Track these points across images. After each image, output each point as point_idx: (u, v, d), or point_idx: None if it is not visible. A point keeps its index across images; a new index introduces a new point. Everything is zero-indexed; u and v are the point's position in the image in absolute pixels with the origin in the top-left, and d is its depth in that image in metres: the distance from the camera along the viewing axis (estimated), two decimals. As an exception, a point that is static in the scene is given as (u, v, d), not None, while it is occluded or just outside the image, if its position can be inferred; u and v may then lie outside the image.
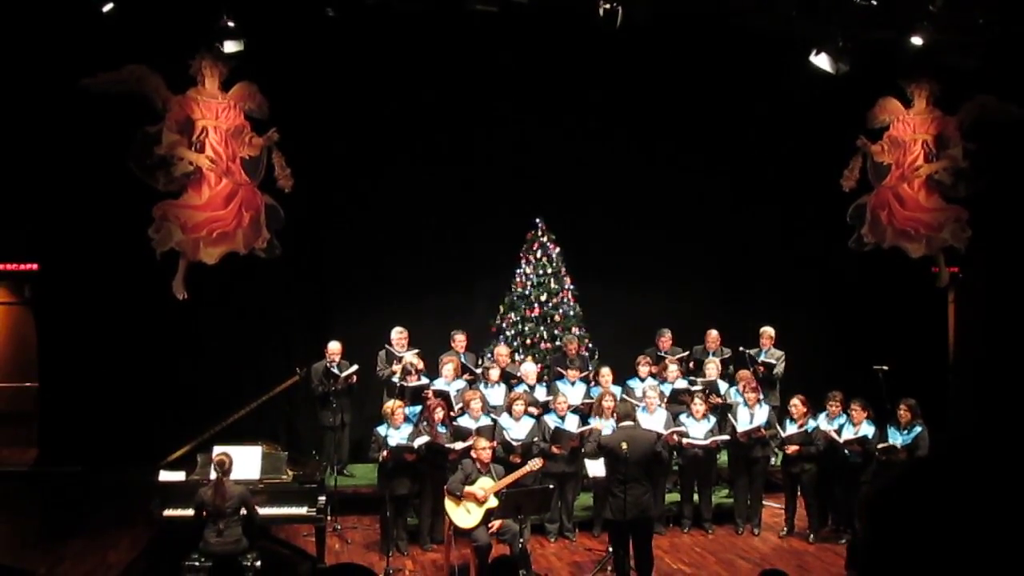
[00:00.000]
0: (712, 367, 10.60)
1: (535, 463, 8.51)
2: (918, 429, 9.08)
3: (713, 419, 9.70)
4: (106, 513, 9.81)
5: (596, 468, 8.54)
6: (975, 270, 13.87)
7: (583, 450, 9.09)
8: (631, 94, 12.36)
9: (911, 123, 13.66)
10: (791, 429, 9.48)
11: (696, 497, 9.85)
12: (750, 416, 9.69)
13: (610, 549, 8.45)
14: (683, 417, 9.68)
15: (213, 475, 7.45)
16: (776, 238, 13.00)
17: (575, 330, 11.02)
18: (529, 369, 10.20)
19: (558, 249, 11.36)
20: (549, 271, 11.21)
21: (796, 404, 9.54)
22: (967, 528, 1.55)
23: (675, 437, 9.35)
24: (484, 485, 8.13)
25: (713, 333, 11.29)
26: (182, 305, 11.55)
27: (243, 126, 11.75)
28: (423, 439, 8.78)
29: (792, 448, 9.44)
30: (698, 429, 9.55)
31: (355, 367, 10.44)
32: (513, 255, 11.43)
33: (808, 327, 12.69)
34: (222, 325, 11.52)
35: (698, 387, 10.24)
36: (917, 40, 10.96)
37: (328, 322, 11.62)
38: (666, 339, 11.17)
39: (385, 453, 8.66)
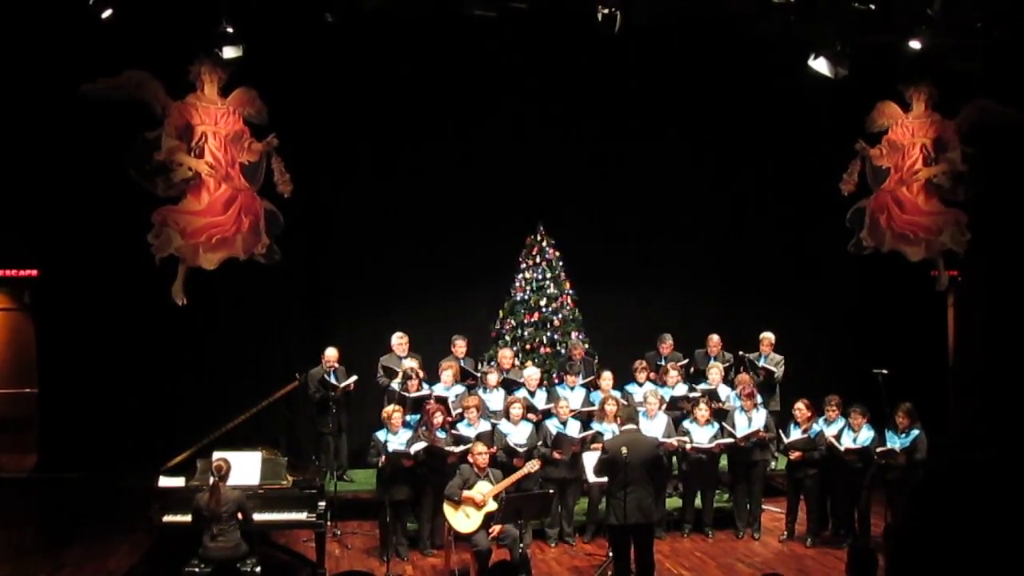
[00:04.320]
0: (715, 371, 10.59)
1: (532, 465, 8.51)
2: (916, 432, 9.08)
3: (717, 425, 9.68)
4: (106, 519, 9.81)
5: (594, 473, 8.52)
6: (974, 273, 13.87)
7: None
8: (630, 98, 12.38)
9: (910, 127, 13.68)
10: (795, 434, 9.46)
11: (699, 501, 9.84)
12: (748, 421, 9.69)
13: (610, 554, 8.44)
14: (687, 423, 9.66)
15: (211, 480, 7.44)
16: (775, 242, 13.01)
17: (575, 335, 11.02)
18: (532, 374, 10.19)
19: (558, 253, 11.36)
20: (549, 276, 11.21)
21: (800, 408, 9.50)
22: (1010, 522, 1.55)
23: (674, 443, 9.33)
24: (482, 489, 8.13)
25: (715, 338, 11.28)
26: (182, 311, 11.56)
27: (242, 131, 11.78)
28: (420, 444, 8.78)
29: (795, 454, 9.43)
30: (702, 434, 9.53)
31: (354, 378, 10.34)
32: (513, 259, 11.42)
33: (807, 331, 12.69)
34: (222, 331, 11.53)
35: (697, 393, 10.24)
36: (915, 44, 10.97)
37: (328, 327, 11.63)
38: (667, 345, 11.15)
39: (383, 458, 8.66)
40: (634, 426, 8.04)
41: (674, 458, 9.80)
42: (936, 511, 1.48)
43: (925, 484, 1.85)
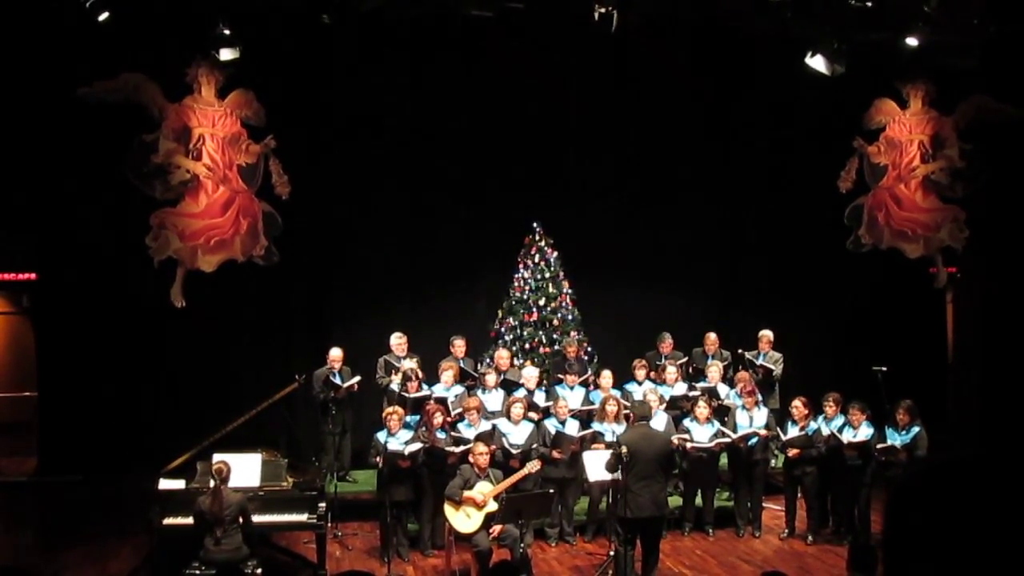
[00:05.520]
0: (715, 370, 10.59)
1: (533, 465, 8.51)
2: (916, 429, 9.10)
3: (717, 424, 9.69)
4: (106, 522, 9.79)
5: (595, 472, 8.53)
6: (973, 270, 13.88)
7: (605, 465, 9.01)
8: (627, 97, 12.38)
9: (907, 124, 13.68)
10: (793, 431, 9.48)
11: (699, 500, 9.85)
12: (749, 419, 9.70)
13: (611, 553, 8.45)
14: (687, 421, 9.67)
15: (212, 483, 7.44)
16: (773, 240, 13.01)
17: (574, 334, 11.02)
18: (530, 373, 10.19)
19: (556, 253, 11.36)
20: (547, 275, 11.21)
21: (797, 406, 9.53)
22: (994, 525, 1.54)
23: (675, 442, 9.34)
24: (483, 489, 8.12)
25: (712, 336, 11.29)
26: (180, 313, 11.55)
27: (240, 133, 11.76)
28: (415, 445, 8.77)
29: (793, 451, 9.44)
30: (702, 433, 9.54)
31: (357, 377, 10.40)
32: (511, 259, 11.42)
33: (806, 329, 12.69)
34: (221, 333, 11.52)
35: (697, 392, 10.25)
36: (912, 41, 10.98)
37: (327, 329, 11.62)
38: (667, 343, 11.16)
39: (379, 459, 8.66)
40: (646, 422, 8.14)
41: (675, 456, 9.81)
42: (918, 513, 1.46)
43: (904, 486, 1.83)
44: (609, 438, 9.06)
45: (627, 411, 8.97)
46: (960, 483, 1.60)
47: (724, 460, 10.05)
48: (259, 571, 7.44)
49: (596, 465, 8.55)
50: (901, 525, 1.61)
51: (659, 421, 9.40)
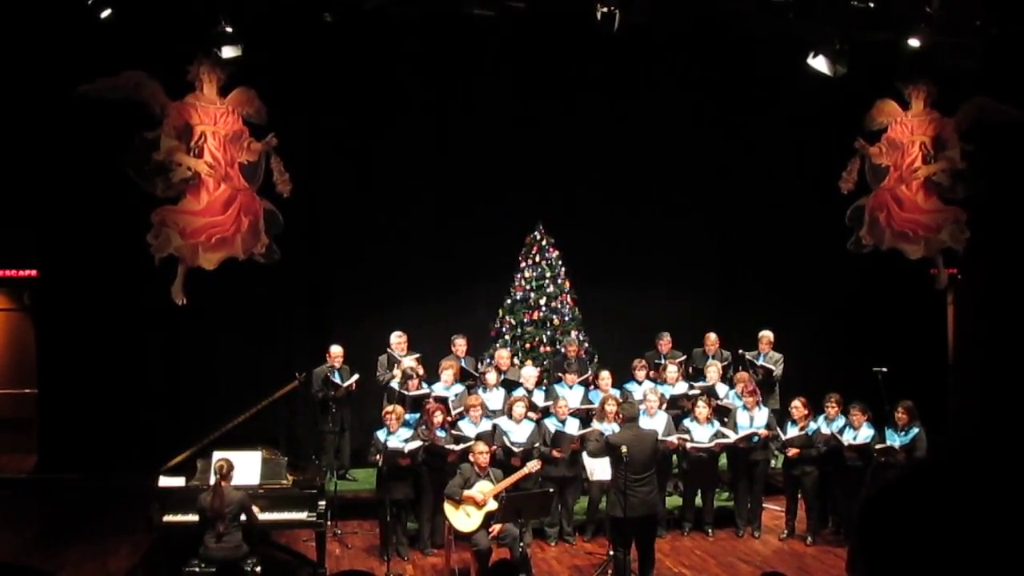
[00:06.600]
0: (713, 370, 10.60)
1: (532, 465, 8.51)
2: (916, 430, 9.11)
3: (717, 424, 9.69)
4: (106, 519, 9.80)
5: (596, 471, 8.53)
6: (974, 271, 13.87)
7: (586, 448, 9.08)
8: (629, 97, 12.38)
9: (909, 125, 13.68)
10: (792, 431, 9.48)
11: (699, 500, 9.85)
12: (750, 419, 9.70)
13: (610, 553, 8.45)
14: (687, 421, 9.67)
15: (213, 480, 7.45)
16: (774, 240, 13.00)
17: (574, 333, 11.02)
18: (529, 373, 10.19)
19: (557, 252, 11.36)
20: (548, 275, 11.21)
21: (797, 406, 9.54)
22: (964, 532, 1.54)
23: (675, 441, 9.35)
24: (483, 489, 8.12)
25: (712, 336, 11.29)
26: (181, 311, 11.55)
27: (241, 131, 11.76)
28: (415, 444, 8.78)
29: (792, 451, 9.44)
30: (702, 433, 9.54)
31: (356, 376, 10.42)
32: (513, 258, 11.43)
33: (807, 330, 12.68)
34: (221, 331, 11.52)
35: (697, 391, 10.25)
36: (914, 42, 10.97)
37: (327, 327, 11.63)
38: (665, 342, 11.17)
39: (379, 457, 8.66)
40: (635, 423, 8.16)
41: (674, 456, 9.81)
42: (885, 530, 1.46)
43: (868, 505, 1.81)
44: (612, 432, 9.10)
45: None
46: (922, 496, 1.60)
47: (724, 460, 10.05)
48: (258, 569, 7.44)
49: (596, 465, 8.56)
50: (869, 543, 1.61)
51: (659, 421, 9.40)
